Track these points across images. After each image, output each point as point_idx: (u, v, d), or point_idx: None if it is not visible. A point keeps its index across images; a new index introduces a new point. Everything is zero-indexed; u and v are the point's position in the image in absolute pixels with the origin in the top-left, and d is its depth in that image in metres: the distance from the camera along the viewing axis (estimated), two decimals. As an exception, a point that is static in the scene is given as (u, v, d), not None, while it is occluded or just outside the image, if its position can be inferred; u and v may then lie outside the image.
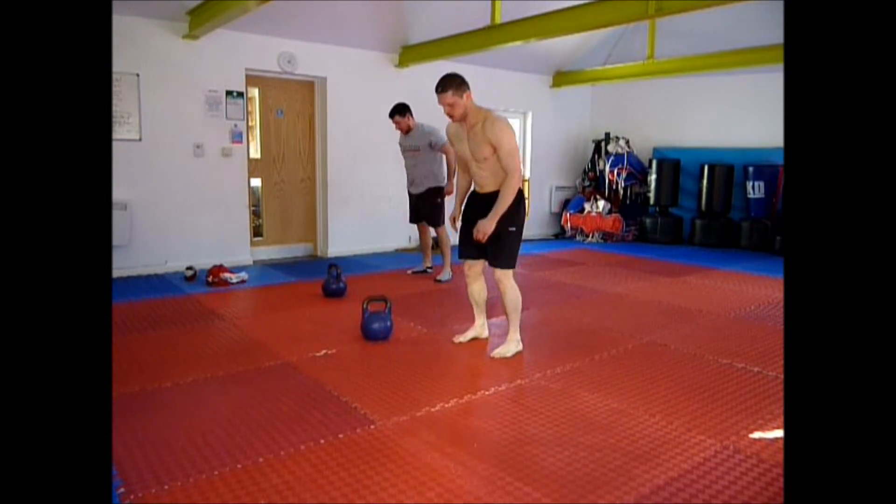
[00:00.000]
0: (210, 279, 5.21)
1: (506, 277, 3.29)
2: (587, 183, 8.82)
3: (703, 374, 3.12)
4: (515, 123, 8.81)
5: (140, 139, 5.51)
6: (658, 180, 8.02)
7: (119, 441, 2.28)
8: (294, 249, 6.90)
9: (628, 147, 8.49)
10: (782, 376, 3.02)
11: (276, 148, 6.59)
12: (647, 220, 8.17)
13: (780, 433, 2.43)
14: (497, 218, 3.11)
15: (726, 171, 7.56)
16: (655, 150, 8.41)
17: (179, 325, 3.98)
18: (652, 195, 8.13)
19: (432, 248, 5.79)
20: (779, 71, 6.81)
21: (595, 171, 8.75)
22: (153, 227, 5.64)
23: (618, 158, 8.41)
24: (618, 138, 8.56)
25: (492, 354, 3.34)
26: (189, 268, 5.46)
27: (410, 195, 5.59)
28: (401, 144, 5.57)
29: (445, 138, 5.10)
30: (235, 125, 6.01)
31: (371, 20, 6.41)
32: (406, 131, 5.40)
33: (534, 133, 8.75)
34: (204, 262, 5.72)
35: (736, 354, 3.42)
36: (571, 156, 9.23)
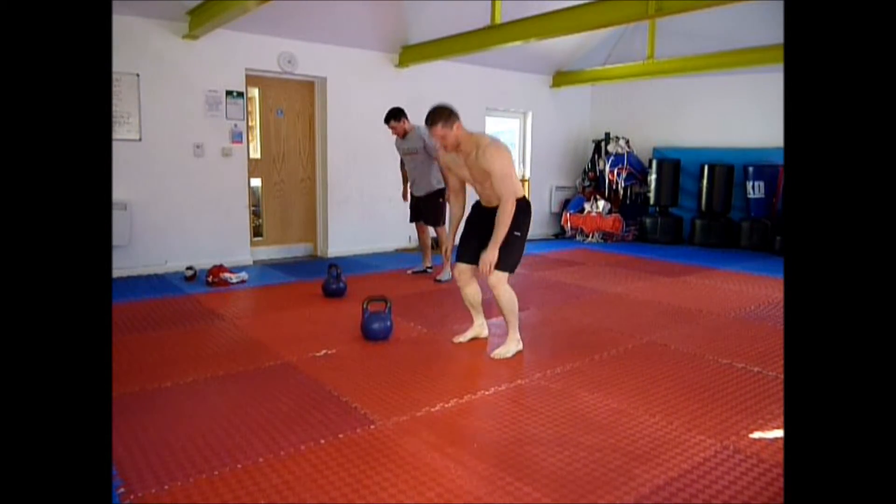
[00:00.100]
0: (210, 279, 5.21)
1: (500, 282, 3.25)
2: (587, 183, 8.82)
3: (703, 374, 3.12)
4: (515, 123, 8.81)
5: (140, 139, 5.51)
6: (658, 180, 8.02)
7: (119, 441, 2.28)
8: (294, 249, 6.90)
9: (628, 147, 8.49)
10: (782, 376, 3.02)
11: (276, 148, 6.59)
12: (647, 220, 8.17)
13: (780, 433, 2.43)
14: (497, 246, 3.11)
15: (726, 171, 7.56)
16: (655, 150, 8.41)
17: (179, 325, 3.98)
18: (652, 195, 8.13)
19: (432, 248, 5.79)
20: (779, 71, 6.80)
21: (595, 171, 8.75)
22: (153, 227, 5.64)
23: (618, 158, 8.41)
24: (618, 138, 8.56)
25: (492, 355, 3.34)
26: (189, 268, 5.46)
27: (412, 196, 5.60)
28: (399, 148, 5.58)
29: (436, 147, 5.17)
30: (235, 125, 6.02)
31: (371, 20, 6.41)
32: (402, 135, 5.40)
33: (534, 133, 8.75)
34: (204, 262, 5.72)
35: (736, 354, 3.42)
36: (571, 156, 9.23)
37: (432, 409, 2.63)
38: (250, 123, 6.33)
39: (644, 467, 2.14)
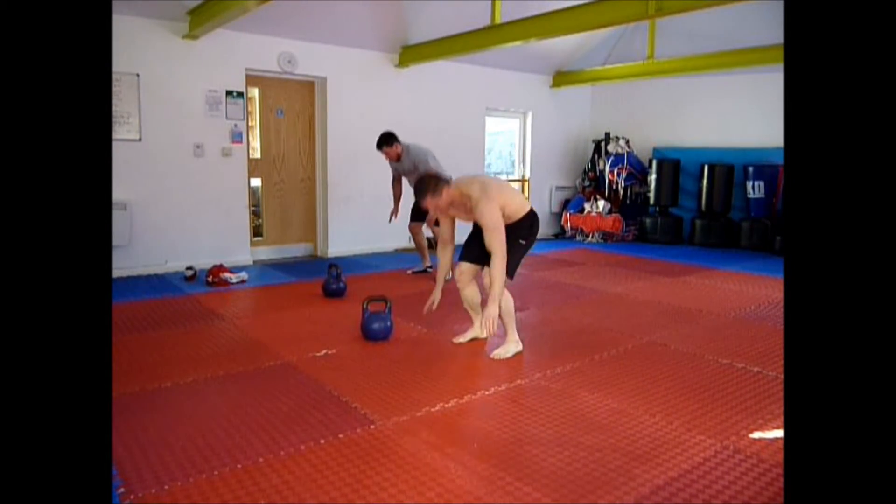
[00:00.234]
0: (210, 279, 5.21)
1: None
2: (587, 183, 8.82)
3: (703, 374, 3.12)
4: (515, 123, 8.82)
5: (140, 139, 5.51)
6: (658, 180, 8.02)
7: (119, 441, 2.28)
8: (294, 249, 6.90)
9: (628, 147, 8.49)
10: (782, 376, 3.02)
11: (276, 148, 6.60)
12: (647, 220, 8.17)
13: (780, 433, 2.43)
14: (497, 303, 3.09)
15: (726, 171, 7.56)
16: (655, 150, 8.41)
17: (179, 325, 3.98)
18: (652, 195, 8.13)
19: (429, 247, 5.80)
20: (779, 71, 6.81)
21: (595, 171, 8.75)
22: (153, 227, 5.64)
23: (618, 158, 8.41)
24: (618, 138, 8.56)
25: (491, 355, 3.34)
26: (189, 268, 5.46)
27: (415, 201, 5.63)
28: (396, 170, 5.58)
29: (429, 165, 5.21)
30: (235, 125, 6.02)
31: (371, 20, 6.41)
32: (396, 159, 5.40)
33: (534, 133, 8.76)
34: (204, 262, 5.72)
35: (736, 354, 3.42)
36: (571, 156, 9.23)
37: (432, 409, 2.63)
38: (250, 123, 6.33)
39: (644, 467, 2.14)
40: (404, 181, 5.62)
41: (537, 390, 2.88)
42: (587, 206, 8.39)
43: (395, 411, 2.60)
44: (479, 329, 3.62)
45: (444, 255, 3.48)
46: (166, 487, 1.99)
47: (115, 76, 5.25)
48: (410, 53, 6.88)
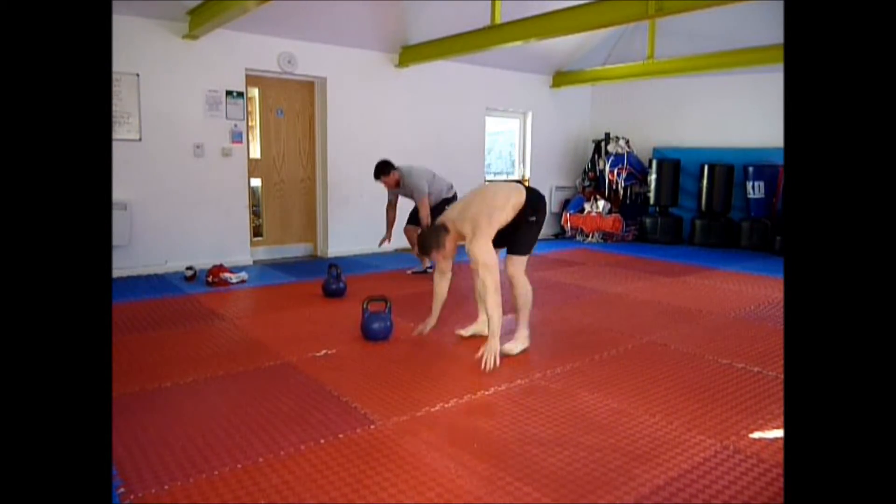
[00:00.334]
0: (210, 279, 5.21)
1: (519, 268, 3.35)
2: (587, 183, 8.82)
3: (703, 374, 3.12)
4: (515, 123, 8.81)
5: (140, 139, 5.51)
6: (658, 180, 8.02)
7: (119, 441, 2.28)
8: (294, 249, 6.90)
9: (628, 147, 8.49)
10: (782, 376, 3.02)
11: (276, 148, 6.60)
12: (647, 220, 8.17)
13: (780, 433, 2.43)
14: (497, 337, 3.13)
15: (726, 171, 7.56)
16: (655, 150, 8.41)
17: (179, 325, 3.98)
18: (652, 195, 8.13)
19: None
20: (779, 71, 6.81)
21: (595, 171, 8.75)
22: (153, 227, 5.64)
23: (618, 158, 8.41)
24: (618, 138, 8.56)
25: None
26: (189, 268, 5.46)
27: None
28: (394, 195, 5.61)
29: (423, 189, 5.26)
30: (235, 125, 6.02)
31: (371, 20, 6.42)
32: (395, 185, 5.42)
33: (534, 133, 8.76)
34: (204, 262, 5.72)
35: (736, 354, 3.42)
36: (571, 156, 9.23)
37: (432, 409, 2.63)
38: (250, 123, 6.33)
39: (644, 467, 2.14)
40: (401, 200, 5.63)
41: (537, 390, 2.88)
42: (587, 206, 8.39)
43: (395, 411, 2.60)
44: (483, 326, 3.61)
45: (442, 285, 3.53)
46: (166, 487, 1.99)
47: (115, 76, 5.25)
48: (410, 53, 6.88)
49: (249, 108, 6.28)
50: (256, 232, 6.60)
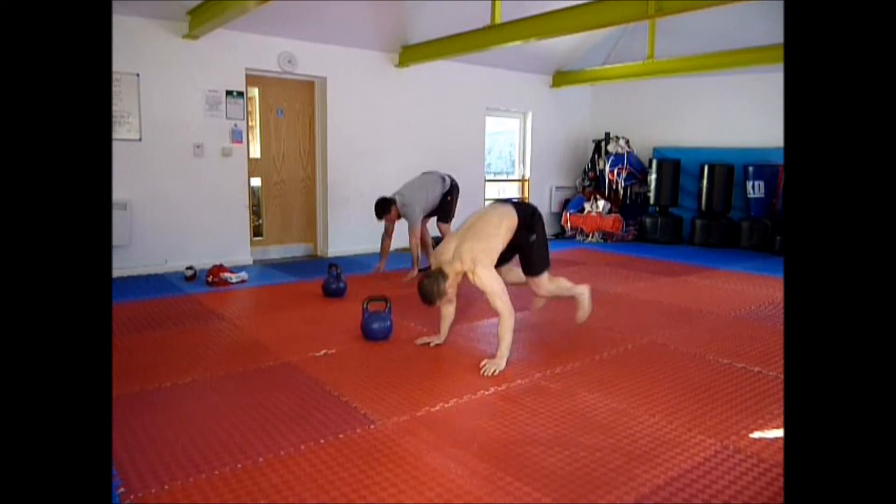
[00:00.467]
0: (210, 279, 5.21)
1: (544, 287, 3.53)
2: (587, 183, 8.82)
3: (703, 374, 3.12)
4: (515, 123, 8.82)
5: (140, 139, 5.51)
6: (658, 180, 8.02)
7: (119, 441, 2.28)
8: (294, 249, 6.90)
9: (628, 147, 8.49)
10: (782, 376, 3.02)
11: (276, 148, 6.60)
12: (647, 220, 8.16)
13: (780, 433, 2.43)
14: (505, 358, 3.13)
15: (726, 171, 7.56)
16: (655, 150, 8.41)
17: (179, 325, 3.98)
18: (652, 195, 8.13)
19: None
20: (779, 71, 6.81)
21: (595, 171, 8.75)
22: (153, 227, 5.64)
23: (618, 158, 8.41)
24: (618, 138, 8.56)
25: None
26: (189, 268, 5.46)
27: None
28: (393, 224, 5.58)
29: (415, 218, 5.24)
30: (235, 125, 6.02)
31: (371, 20, 6.42)
32: (397, 218, 5.41)
33: (534, 133, 8.76)
34: (204, 262, 5.73)
35: (736, 354, 3.42)
36: (571, 156, 9.23)
37: (432, 409, 2.63)
38: (250, 123, 6.33)
39: (644, 467, 2.14)
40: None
41: (537, 390, 2.88)
42: (587, 206, 8.39)
43: (395, 411, 2.60)
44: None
45: (448, 308, 3.48)
46: (166, 487, 1.99)
47: (115, 76, 5.26)
48: (410, 53, 6.88)
49: (249, 108, 6.28)
50: (256, 232, 6.60)
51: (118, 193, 5.33)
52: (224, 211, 6.06)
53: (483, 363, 3.12)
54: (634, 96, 8.72)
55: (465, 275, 3.20)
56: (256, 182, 6.52)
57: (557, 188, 9.04)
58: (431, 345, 3.50)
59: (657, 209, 8.17)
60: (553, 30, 5.25)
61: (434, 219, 5.70)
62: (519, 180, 8.91)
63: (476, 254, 3.15)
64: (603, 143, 8.71)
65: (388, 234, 5.60)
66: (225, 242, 6.09)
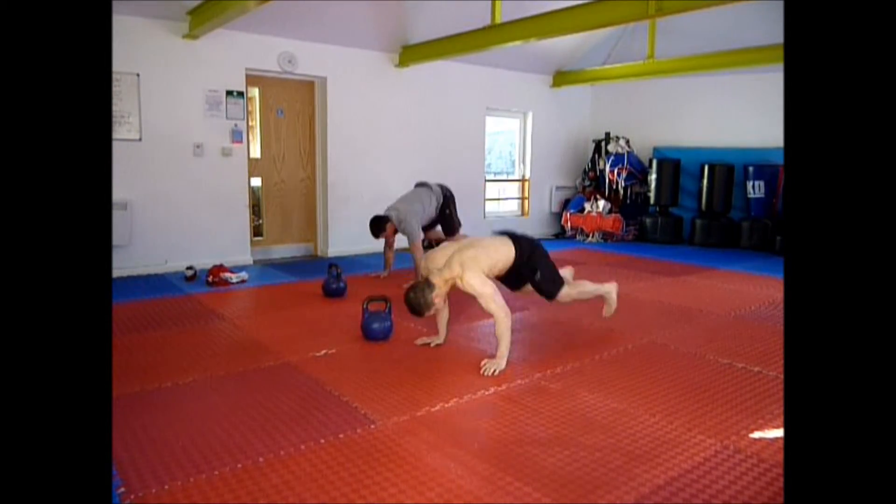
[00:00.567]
0: (210, 279, 5.21)
1: (562, 297, 3.49)
2: (587, 183, 8.82)
3: (703, 374, 3.12)
4: (515, 123, 8.81)
5: (140, 139, 5.51)
6: (658, 180, 8.03)
7: (119, 441, 2.28)
8: (294, 249, 6.90)
9: (628, 147, 8.49)
10: (782, 376, 3.02)
11: (276, 148, 6.60)
12: (647, 220, 8.17)
13: (780, 433, 2.43)
14: (505, 358, 3.13)
15: (726, 171, 7.56)
16: (655, 150, 8.41)
17: (179, 325, 3.98)
18: (652, 195, 8.13)
19: (429, 247, 5.78)
20: (779, 71, 6.81)
21: (595, 171, 8.76)
22: (153, 227, 5.64)
23: (618, 158, 8.41)
24: (618, 138, 8.56)
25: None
26: (189, 268, 5.46)
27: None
28: (394, 238, 5.51)
29: (415, 234, 5.14)
30: (235, 125, 6.02)
31: (371, 20, 6.42)
32: (394, 233, 5.34)
33: (534, 133, 8.76)
34: (204, 262, 5.72)
35: (736, 354, 3.42)
36: (571, 156, 9.23)
37: (432, 409, 2.63)
38: (250, 123, 6.33)
39: (644, 467, 2.14)
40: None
41: (537, 390, 2.88)
42: (587, 206, 8.39)
43: (395, 411, 2.60)
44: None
45: (443, 314, 3.49)
46: (166, 487, 1.99)
47: (115, 76, 5.26)
48: (410, 53, 6.88)
49: (249, 108, 6.28)
50: (256, 232, 6.60)
51: (118, 193, 5.33)
52: (224, 211, 6.06)
53: (483, 363, 3.12)
54: (634, 96, 8.72)
55: (455, 284, 3.20)
56: (256, 182, 6.52)
57: (557, 188, 9.04)
58: (431, 345, 3.50)
59: (657, 209, 8.17)
60: (553, 30, 5.25)
61: (438, 227, 5.66)
62: (519, 180, 8.91)
63: (464, 259, 3.16)
64: (603, 143, 8.71)
65: (389, 247, 5.56)
66: (225, 242, 6.09)
